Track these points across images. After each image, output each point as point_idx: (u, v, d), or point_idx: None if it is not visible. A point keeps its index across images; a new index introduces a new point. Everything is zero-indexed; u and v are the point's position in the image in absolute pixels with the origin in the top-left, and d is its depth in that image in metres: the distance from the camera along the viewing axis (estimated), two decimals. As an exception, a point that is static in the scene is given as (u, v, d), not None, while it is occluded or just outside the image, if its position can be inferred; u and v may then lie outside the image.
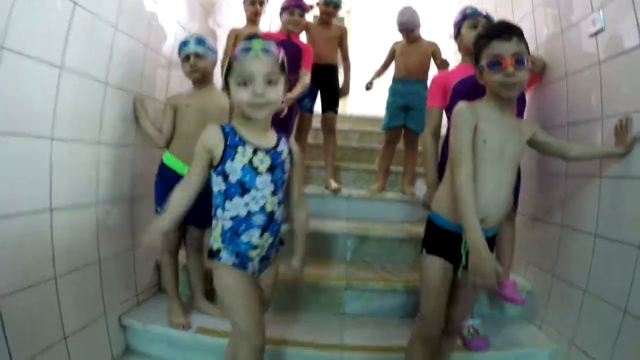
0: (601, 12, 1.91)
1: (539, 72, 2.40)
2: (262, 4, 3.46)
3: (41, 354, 1.59)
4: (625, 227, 1.75)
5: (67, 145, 1.72)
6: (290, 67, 2.87)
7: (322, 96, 3.49)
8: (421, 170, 3.27)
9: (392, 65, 3.70)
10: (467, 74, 2.02)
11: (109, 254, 2.03)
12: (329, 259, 2.79)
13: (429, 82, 3.42)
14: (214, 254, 1.51)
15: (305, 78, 2.99)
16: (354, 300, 2.43)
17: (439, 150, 2.15)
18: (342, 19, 3.75)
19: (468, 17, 2.17)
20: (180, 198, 1.50)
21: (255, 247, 1.48)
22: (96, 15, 1.81)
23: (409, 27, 3.48)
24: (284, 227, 1.60)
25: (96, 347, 1.97)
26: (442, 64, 3.40)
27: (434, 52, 3.52)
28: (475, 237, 1.46)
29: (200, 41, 2.22)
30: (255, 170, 1.43)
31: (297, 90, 2.91)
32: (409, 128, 3.48)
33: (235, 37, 3.35)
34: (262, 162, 1.45)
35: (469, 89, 1.96)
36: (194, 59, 2.17)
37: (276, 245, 1.60)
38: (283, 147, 1.53)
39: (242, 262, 1.49)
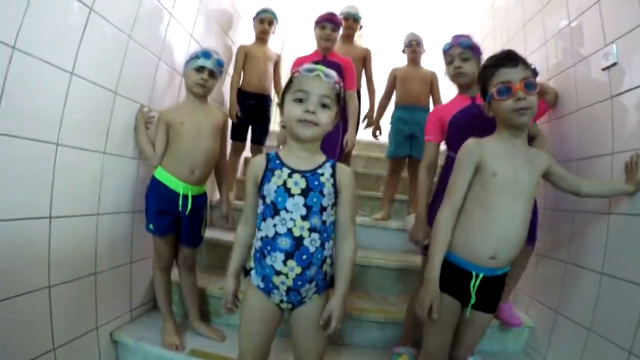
0: (615, 46, 1.91)
1: (551, 100, 2.40)
2: (270, 23, 3.51)
3: (29, 363, 1.55)
4: (633, 265, 1.71)
5: (72, 152, 1.70)
6: None
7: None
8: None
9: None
10: (463, 105, 2.04)
11: (106, 267, 2.01)
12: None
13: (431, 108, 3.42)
14: (247, 272, 1.54)
15: (353, 102, 2.87)
16: (353, 330, 2.36)
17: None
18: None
19: (444, 53, 2.14)
20: (244, 235, 1.57)
21: (278, 274, 1.41)
22: (111, 23, 1.82)
23: (419, 40, 3.53)
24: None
25: (85, 360, 1.92)
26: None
27: (432, 80, 3.54)
28: (430, 271, 1.54)
29: (220, 62, 2.24)
30: (288, 192, 1.41)
31: (353, 120, 2.81)
32: (413, 157, 3.44)
33: (244, 54, 3.41)
34: (297, 184, 1.41)
35: (465, 122, 2.00)
36: (208, 75, 2.17)
37: (312, 281, 1.44)
38: (325, 170, 1.46)
39: (267, 287, 1.46)
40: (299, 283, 1.42)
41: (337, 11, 3.25)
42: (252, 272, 1.49)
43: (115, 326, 2.12)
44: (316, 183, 1.42)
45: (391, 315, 2.37)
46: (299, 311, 1.50)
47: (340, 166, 1.50)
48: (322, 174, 1.44)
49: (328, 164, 1.48)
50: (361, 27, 3.62)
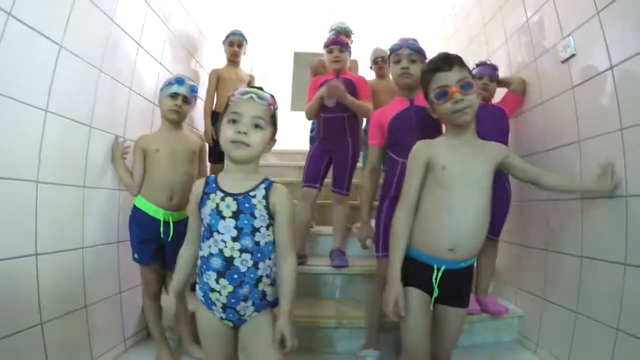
0: (571, 38, 1.99)
1: (518, 88, 2.48)
2: (240, 45, 3.56)
3: (27, 403, 1.53)
4: (608, 245, 1.78)
5: (53, 188, 1.71)
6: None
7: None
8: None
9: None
10: (401, 108, 2.10)
11: (95, 299, 2.00)
12: (319, 299, 2.75)
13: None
14: (193, 286, 1.58)
15: (368, 105, 2.84)
16: (345, 338, 2.38)
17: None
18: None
19: (391, 52, 2.18)
20: (185, 257, 1.60)
21: (213, 290, 1.43)
22: (81, 58, 1.84)
23: (384, 56, 3.50)
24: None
25: (84, 395, 1.91)
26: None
27: None
28: (391, 270, 1.58)
29: (194, 89, 2.27)
30: (220, 215, 1.43)
31: (359, 101, 2.79)
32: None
33: (216, 77, 3.45)
34: (228, 207, 1.43)
35: (403, 123, 2.07)
36: (181, 101, 2.19)
37: (247, 299, 1.45)
38: (258, 192, 1.46)
39: (207, 302, 1.48)
40: (233, 300, 1.43)
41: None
42: (197, 287, 1.52)
43: (111, 358, 2.10)
44: (247, 205, 1.44)
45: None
46: (243, 329, 1.51)
47: (276, 187, 1.50)
48: (254, 196, 1.45)
49: (262, 186, 1.48)
50: (352, 42, 3.64)
